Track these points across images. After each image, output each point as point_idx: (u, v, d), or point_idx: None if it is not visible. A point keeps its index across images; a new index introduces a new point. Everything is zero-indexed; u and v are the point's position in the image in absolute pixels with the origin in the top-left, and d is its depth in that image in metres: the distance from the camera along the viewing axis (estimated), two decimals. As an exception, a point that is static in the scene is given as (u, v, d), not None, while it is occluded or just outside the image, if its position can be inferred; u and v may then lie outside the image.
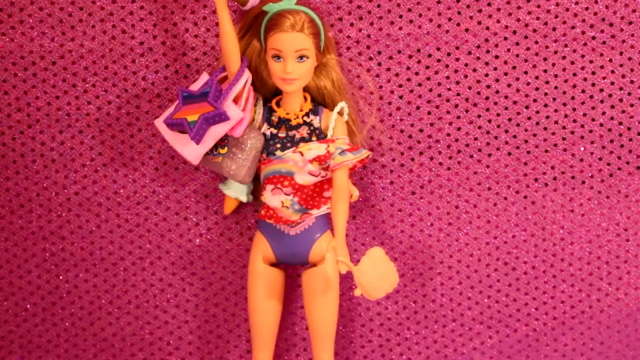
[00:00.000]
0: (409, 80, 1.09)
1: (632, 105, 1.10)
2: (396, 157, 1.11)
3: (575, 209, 1.13)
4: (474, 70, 1.09)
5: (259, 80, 1.04)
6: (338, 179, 1.01)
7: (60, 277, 1.12)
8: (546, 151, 1.11)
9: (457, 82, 1.09)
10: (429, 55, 1.08)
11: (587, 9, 1.07)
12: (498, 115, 1.10)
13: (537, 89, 1.10)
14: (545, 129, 1.10)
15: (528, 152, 1.11)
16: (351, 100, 1.07)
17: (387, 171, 1.11)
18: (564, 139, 1.11)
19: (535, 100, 1.10)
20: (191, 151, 0.99)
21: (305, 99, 1.04)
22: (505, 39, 1.08)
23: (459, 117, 1.10)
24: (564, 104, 1.10)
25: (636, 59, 1.09)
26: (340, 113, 1.05)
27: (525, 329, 1.16)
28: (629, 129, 1.11)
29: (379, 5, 1.07)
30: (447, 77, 1.09)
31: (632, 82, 1.09)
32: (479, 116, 1.10)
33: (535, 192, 1.12)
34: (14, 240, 1.11)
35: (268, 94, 1.06)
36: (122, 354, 1.14)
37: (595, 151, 1.11)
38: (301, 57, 0.99)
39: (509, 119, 1.10)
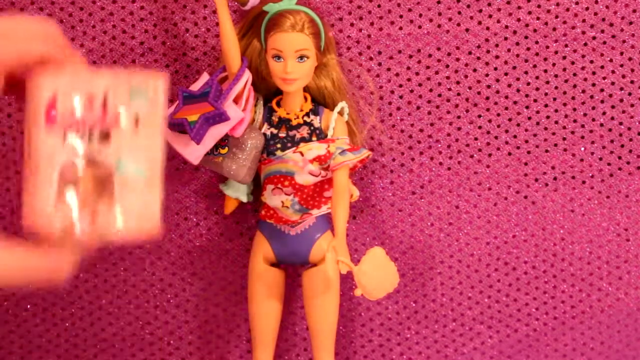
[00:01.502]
0: (409, 80, 1.09)
1: (632, 106, 1.10)
2: (396, 157, 1.11)
3: (576, 209, 1.13)
4: (474, 70, 1.09)
5: (259, 80, 1.04)
6: (338, 179, 1.02)
7: (60, 277, 1.12)
8: (546, 151, 1.11)
9: (458, 82, 1.09)
10: (429, 55, 1.08)
11: (587, 9, 1.07)
12: (498, 115, 1.10)
13: (537, 89, 1.10)
14: (546, 129, 1.11)
15: (528, 152, 1.11)
16: (351, 100, 1.07)
17: (387, 171, 1.11)
18: (564, 139, 1.11)
19: (535, 100, 1.10)
20: (191, 151, 0.99)
21: (306, 99, 1.04)
22: (506, 39, 1.08)
23: (459, 117, 1.10)
24: (564, 104, 1.10)
25: (636, 59, 1.09)
26: (341, 113, 1.05)
27: (526, 329, 1.16)
28: (629, 129, 1.11)
29: (379, 5, 1.07)
30: (447, 77, 1.09)
31: (632, 82, 1.09)
32: (479, 116, 1.10)
33: (535, 192, 1.12)
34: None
35: (268, 94, 1.06)
36: (122, 354, 1.14)
37: (595, 151, 1.11)
38: (301, 57, 0.99)
39: (509, 119, 1.10)
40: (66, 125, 0.66)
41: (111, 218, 0.66)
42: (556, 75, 1.09)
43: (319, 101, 1.05)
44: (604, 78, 1.10)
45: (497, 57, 1.09)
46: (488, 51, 1.08)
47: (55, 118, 0.65)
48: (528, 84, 1.09)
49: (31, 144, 0.66)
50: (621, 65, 1.09)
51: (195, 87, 1.01)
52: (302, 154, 1.02)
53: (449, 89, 1.09)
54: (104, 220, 0.66)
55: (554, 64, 1.09)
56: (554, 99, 1.10)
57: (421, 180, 1.11)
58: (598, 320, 1.16)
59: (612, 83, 1.10)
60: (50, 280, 0.66)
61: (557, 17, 1.08)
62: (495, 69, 1.09)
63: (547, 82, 1.09)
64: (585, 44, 1.09)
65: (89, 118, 0.66)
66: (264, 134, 1.03)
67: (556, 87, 1.10)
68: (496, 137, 1.11)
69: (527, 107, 1.10)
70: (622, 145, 1.11)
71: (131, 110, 0.66)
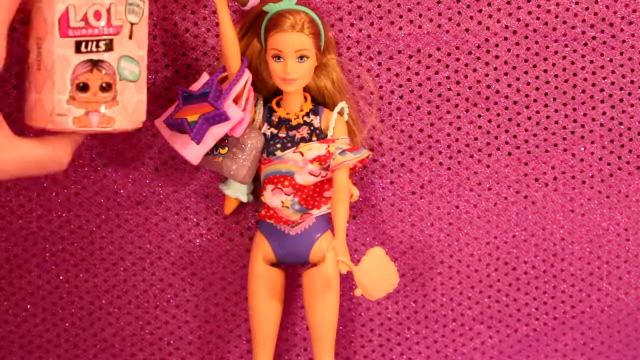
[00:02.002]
0: (409, 80, 1.09)
1: (632, 106, 1.10)
2: (396, 157, 1.11)
3: (576, 209, 1.13)
4: (474, 70, 1.09)
5: (259, 80, 1.04)
6: (338, 179, 1.02)
7: (60, 277, 1.12)
8: (546, 151, 1.11)
9: (457, 82, 1.09)
10: (429, 55, 1.08)
11: (587, 9, 1.07)
12: (498, 115, 1.10)
13: (537, 89, 1.10)
14: (546, 129, 1.11)
15: (528, 152, 1.11)
16: (351, 100, 1.07)
17: (387, 171, 1.11)
18: (564, 139, 1.11)
19: (535, 100, 1.10)
20: (191, 151, 0.99)
21: (306, 99, 1.04)
22: (506, 39, 1.08)
23: (459, 117, 1.10)
24: (564, 104, 1.10)
25: (636, 59, 1.09)
26: (341, 113, 1.05)
27: (526, 329, 1.16)
28: (629, 129, 1.11)
29: (379, 5, 1.07)
30: (447, 77, 1.09)
31: (632, 82, 1.09)
32: (479, 116, 1.10)
33: (535, 192, 1.12)
34: (14, 240, 1.11)
35: (268, 94, 1.06)
36: (122, 354, 1.14)
37: (595, 151, 1.11)
38: (301, 57, 0.99)
39: (509, 119, 1.10)
40: (77, 35, 0.77)
41: (114, 114, 0.80)
42: (556, 75, 1.09)
43: (319, 101, 1.05)
44: (604, 78, 1.09)
45: (497, 57, 1.09)
46: (488, 51, 1.08)
47: (67, 29, 0.77)
48: (528, 84, 1.09)
49: (44, 52, 0.79)
50: (621, 65, 1.09)
51: (195, 87, 1.01)
52: (302, 154, 1.02)
53: (449, 89, 1.09)
54: (109, 115, 0.80)
55: (554, 64, 1.09)
56: (554, 99, 1.10)
57: (421, 180, 1.11)
58: (598, 320, 1.16)
59: (612, 83, 1.09)
60: (54, 169, 0.82)
61: (557, 17, 1.08)
62: (495, 69, 1.09)
63: (547, 82, 1.09)
64: (585, 44, 1.09)
65: (95, 29, 0.78)
66: (264, 134, 1.03)
67: (556, 87, 1.10)
68: (496, 137, 1.11)
69: (527, 107, 1.10)
70: (622, 145, 1.11)
71: (128, 24, 0.80)
